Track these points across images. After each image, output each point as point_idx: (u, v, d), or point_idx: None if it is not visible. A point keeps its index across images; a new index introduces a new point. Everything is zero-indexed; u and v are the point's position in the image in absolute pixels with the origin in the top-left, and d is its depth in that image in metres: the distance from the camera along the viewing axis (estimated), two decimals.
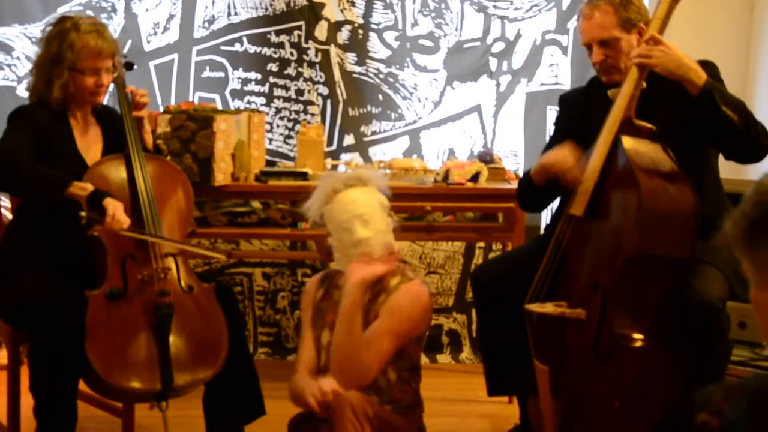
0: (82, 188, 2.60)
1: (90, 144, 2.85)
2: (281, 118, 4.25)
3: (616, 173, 2.53)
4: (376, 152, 4.28)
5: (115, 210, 2.58)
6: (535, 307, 2.56)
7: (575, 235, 2.59)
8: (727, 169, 3.00)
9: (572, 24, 4.23)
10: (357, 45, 4.22)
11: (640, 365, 2.47)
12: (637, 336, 2.46)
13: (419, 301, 2.41)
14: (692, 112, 2.54)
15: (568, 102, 2.97)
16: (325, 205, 2.45)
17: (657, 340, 2.47)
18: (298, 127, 4.16)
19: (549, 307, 2.54)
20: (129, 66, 2.97)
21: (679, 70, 2.49)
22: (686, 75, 2.49)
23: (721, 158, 2.77)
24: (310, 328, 2.51)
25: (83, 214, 2.56)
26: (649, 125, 2.56)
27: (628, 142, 2.53)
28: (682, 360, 2.46)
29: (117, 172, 2.77)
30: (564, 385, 2.56)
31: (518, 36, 4.26)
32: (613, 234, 2.51)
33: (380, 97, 4.25)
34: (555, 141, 2.91)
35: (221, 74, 4.21)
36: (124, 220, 2.60)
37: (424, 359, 3.74)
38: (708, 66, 2.62)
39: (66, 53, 2.72)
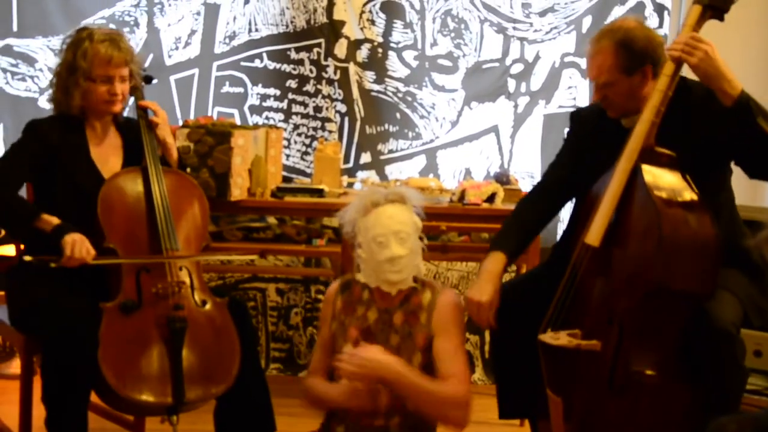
0: (48, 222, 2.64)
1: (107, 156, 2.87)
2: (299, 135, 4.27)
3: (635, 203, 2.47)
4: (392, 170, 4.28)
5: (74, 247, 2.58)
6: (549, 339, 2.50)
7: (591, 265, 2.53)
8: (744, 196, 2.98)
9: None
10: (376, 63, 4.24)
11: (656, 401, 2.43)
12: (654, 372, 2.42)
13: (461, 308, 2.48)
14: (710, 134, 2.51)
15: (579, 120, 2.93)
16: (362, 216, 2.44)
17: (674, 377, 2.43)
18: (315, 143, 4.17)
19: (563, 339, 2.48)
20: (148, 79, 2.99)
21: (716, 78, 2.41)
22: (721, 85, 2.41)
23: (737, 184, 2.75)
24: (327, 333, 2.52)
25: (27, 258, 2.61)
26: (669, 152, 2.51)
27: (647, 171, 2.47)
28: (699, 396, 2.42)
29: (134, 184, 2.79)
30: (577, 413, 2.53)
31: (537, 58, 4.27)
32: (630, 266, 2.45)
33: (398, 115, 4.27)
34: (562, 157, 2.90)
35: (240, 90, 4.23)
36: (84, 256, 2.60)
37: None
38: None
39: (80, 62, 2.76)
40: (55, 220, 2.65)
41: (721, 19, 2.50)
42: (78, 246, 2.60)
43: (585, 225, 2.58)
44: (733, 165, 2.68)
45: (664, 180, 2.47)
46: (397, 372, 2.30)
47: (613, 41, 2.59)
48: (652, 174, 2.47)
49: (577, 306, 2.57)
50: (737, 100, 2.40)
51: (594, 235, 2.51)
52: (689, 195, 2.47)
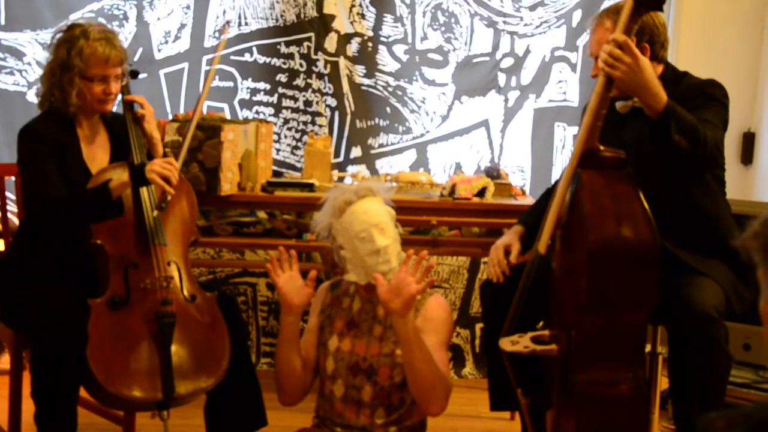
0: (119, 181, 2.69)
1: (96, 153, 2.86)
2: (289, 129, 4.26)
3: (575, 212, 2.40)
4: (383, 165, 4.28)
5: (162, 174, 2.69)
6: (506, 345, 2.48)
7: (539, 272, 2.50)
8: (733, 191, 2.98)
9: (581, 41, 4.24)
10: (366, 57, 4.23)
11: (601, 415, 2.36)
12: (601, 381, 2.36)
13: (450, 311, 2.49)
14: None
15: (584, 111, 2.96)
16: (336, 218, 2.44)
17: (625, 389, 2.37)
18: (305, 138, 4.17)
19: (520, 345, 2.46)
20: (134, 74, 2.96)
21: (639, 92, 2.36)
22: (645, 98, 2.36)
23: (728, 180, 2.76)
24: (314, 323, 2.53)
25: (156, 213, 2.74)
26: (615, 153, 2.43)
27: (587, 177, 2.38)
28: (647, 411, 2.41)
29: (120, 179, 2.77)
30: (540, 413, 2.53)
31: (527, 52, 4.27)
32: (570, 277, 2.41)
33: (388, 109, 4.26)
34: None
35: (230, 84, 4.22)
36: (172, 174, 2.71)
37: None
38: (709, 85, 2.62)
39: (75, 60, 2.72)
40: (123, 177, 2.69)
41: (660, 9, 2.42)
42: (161, 170, 2.68)
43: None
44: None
45: (602, 186, 2.39)
46: (414, 327, 2.30)
47: (614, 18, 2.61)
48: (591, 180, 2.39)
49: (534, 309, 2.55)
50: (661, 114, 2.36)
51: (541, 241, 2.47)
52: (629, 202, 2.38)
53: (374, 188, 2.48)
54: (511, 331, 2.55)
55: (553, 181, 3.74)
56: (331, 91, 4.23)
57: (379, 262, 2.38)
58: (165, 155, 2.97)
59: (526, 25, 4.26)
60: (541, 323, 2.60)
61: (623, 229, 2.34)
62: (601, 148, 2.42)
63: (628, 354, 2.40)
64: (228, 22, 3.09)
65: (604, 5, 4.22)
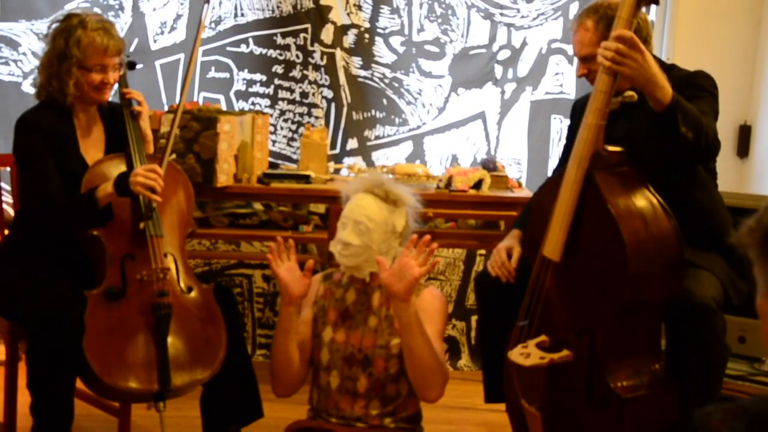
0: (104, 191, 2.63)
1: (92, 144, 2.85)
2: (285, 121, 4.25)
3: (593, 215, 2.38)
4: (379, 157, 4.28)
5: (144, 185, 2.63)
6: (520, 360, 2.42)
7: (554, 278, 2.47)
8: (730, 184, 2.98)
9: None
10: (363, 49, 4.22)
11: (640, 411, 2.37)
12: (632, 383, 2.37)
13: (445, 302, 2.50)
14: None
15: (574, 109, 2.96)
16: (352, 196, 2.46)
17: (655, 384, 2.40)
18: (301, 129, 4.16)
19: (534, 357, 2.40)
20: (131, 65, 2.95)
21: (648, 86, 2.33)
22: (653, 92, 2.33)
23: (723, 172, 2.76)
24: (309, 313, 2.52)
25: (142, 225, 2.69)
26: (617, 150, 2.44)
27: (602, 179, 2.37)
28: (680, 396, 2.40)
29: (117, 171, 2.76)
30: (557, 424, 2.49)
31: (524, 44, 4.26)
32: (596, 281, 2.39)
33: (385, 101, 4.26)
34: (566, 149, 2.93)
35: (226, 75, 4.21)
36: (154, 183, 2.65)
37: None
38: (699, 76, 2.62)
39: (73, 50, 2.71)
40: (108, 188, 2.64)
41: (657, 2, 2.41)
42: (144, 180, 2.62)
43: (543, 230, 2.50)
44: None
45: (619, 186, 2.39)
46: (416, 312, 2.31)
47: (594, 17, 2.65)
48: (606, 182, 2.38)
49: (544, 317, 2.52)
50: (668, 107, 2.34)
51: (553, 249, 2.45)
52: (644, 197, 2.40)
53: (398, 198, 2.45)
54: (521, 340, 2.51)
55: (549, 174, 3.75)
56: (327, 83, 4.22)
57: (342, 253, 2.39)
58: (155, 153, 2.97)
59: (523, 17, 4.25)
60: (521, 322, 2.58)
61: (652, 226, 2.36)
62: (605, 146, 2.42)
63: (653, 345, 2.43)
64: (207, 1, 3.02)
65: None
